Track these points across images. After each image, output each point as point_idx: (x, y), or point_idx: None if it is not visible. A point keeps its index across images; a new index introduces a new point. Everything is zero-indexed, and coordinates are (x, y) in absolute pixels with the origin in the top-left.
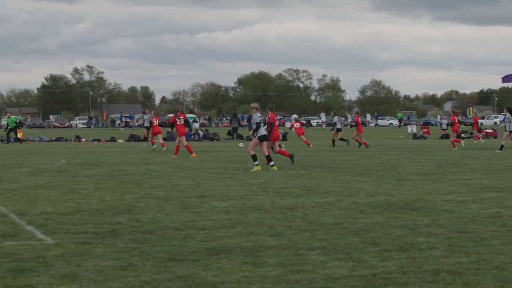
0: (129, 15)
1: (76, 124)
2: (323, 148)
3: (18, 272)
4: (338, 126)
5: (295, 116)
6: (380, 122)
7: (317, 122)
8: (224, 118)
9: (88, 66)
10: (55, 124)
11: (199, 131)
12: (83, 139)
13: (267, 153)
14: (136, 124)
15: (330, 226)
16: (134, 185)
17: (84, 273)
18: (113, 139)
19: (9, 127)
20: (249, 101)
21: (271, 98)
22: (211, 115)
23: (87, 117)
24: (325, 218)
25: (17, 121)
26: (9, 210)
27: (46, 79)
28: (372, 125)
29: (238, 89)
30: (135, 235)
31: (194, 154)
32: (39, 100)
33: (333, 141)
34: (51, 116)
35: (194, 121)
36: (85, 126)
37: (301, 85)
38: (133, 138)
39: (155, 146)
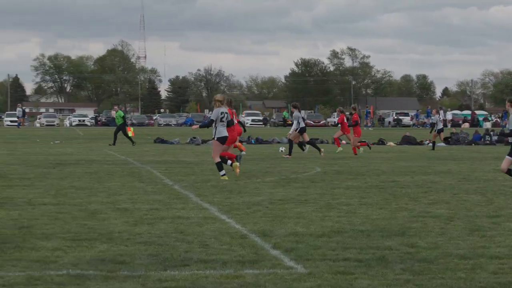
0: None
1: (335, 122)
2: None
3: None
4: (440, 126)
5: None
6: None
7: None
8: None
9: (349, 49)
10: (308, 121)
11: (491, 132)
12: (343, 141)
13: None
14: (411, 122)
15: None
16: (408, 200)
17: None
18: (381, 142)
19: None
20: None
21: None
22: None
23: (348, 113)
24: None
25: (124, 117)
26: (250, 229)
27: (296, 64)
28: None
29: None
30: (409, 264)
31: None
32: (287, 91)
33: (433, 143)
34: (302, 112)
35: (485, 119)
36: None
37: None
38: (407, 140)
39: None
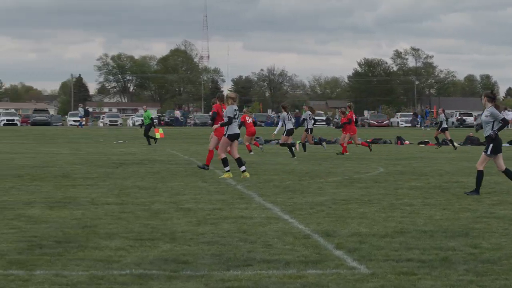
0: None
1: (398, 123)
2: None
3: None
4: (444, 125)
5: None
6: None
7: None
8: None
9: (413, 49)
10: (371, 121)
11: None
12: (407, 142)
13: (226, 156)
14: (475, 122)
15: None
16: (472, 201)
17: None
18: (445, 142)
19: (144, 125)
20: None
21: None
22: None
23: (411, 113)
24: None
25: (152, 117)
26: (313, 229)
27: (359, 64)
28: None
29: None
30: (472, 265)
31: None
32: (350, 91)
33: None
34: (365, 112)
35: None
36: (409, 125)
37: None
38: (470, 140)
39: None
